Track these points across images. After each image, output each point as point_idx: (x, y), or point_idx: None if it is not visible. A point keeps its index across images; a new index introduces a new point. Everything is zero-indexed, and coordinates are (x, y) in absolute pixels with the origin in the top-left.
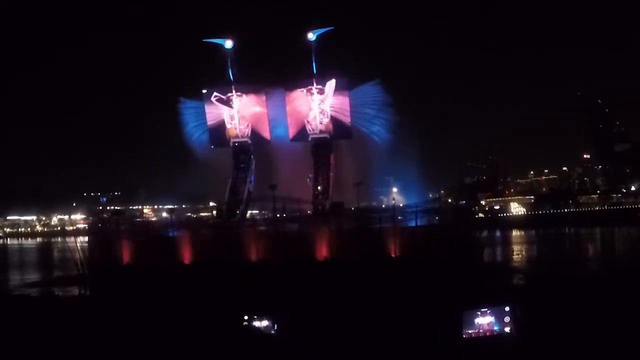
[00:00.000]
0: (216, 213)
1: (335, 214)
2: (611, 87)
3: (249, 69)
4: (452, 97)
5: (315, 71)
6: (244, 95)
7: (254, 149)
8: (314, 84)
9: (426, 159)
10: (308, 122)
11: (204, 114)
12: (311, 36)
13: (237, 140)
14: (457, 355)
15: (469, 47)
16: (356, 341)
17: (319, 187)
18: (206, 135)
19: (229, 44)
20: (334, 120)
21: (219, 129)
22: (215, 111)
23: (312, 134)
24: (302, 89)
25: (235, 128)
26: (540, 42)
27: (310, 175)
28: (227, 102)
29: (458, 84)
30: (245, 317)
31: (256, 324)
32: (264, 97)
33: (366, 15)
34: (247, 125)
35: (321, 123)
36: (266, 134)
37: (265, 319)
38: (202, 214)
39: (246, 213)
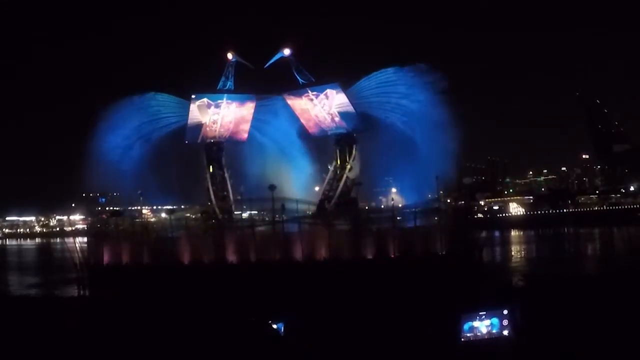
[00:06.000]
0: (202, 215)
1: (345, 212)
2: (611, 88)
3: (242, 79)
4: (452, 97)
5: (301, 81)
6: (233, 104)
7: (240, 151)
8: (309, 92)
9: (425, 159)
10: (320, 122)
11: (186, 113)
12: (286, 52)
13: (213, 138)
14: (455, 358)
15: (469, 48)
16: (355, 341)
17: (330, 185)
18: (181, 131)
19: (230, 55)
20: (344, 116)
21: (197, 127)
22: (197, 112)
23: (329, 130)
24: (300, 97)
25: (215, 130)
26: (540, 42)
27: (330, 168)
28: (214, 108)
29: (457, 84)
30: (253, 319)
31: (266, 324)
32: (253, 105)
33: (359, 9)
34: (227, 129)
35: (333, 121)
36: (244, 136)
37: (273, 321)
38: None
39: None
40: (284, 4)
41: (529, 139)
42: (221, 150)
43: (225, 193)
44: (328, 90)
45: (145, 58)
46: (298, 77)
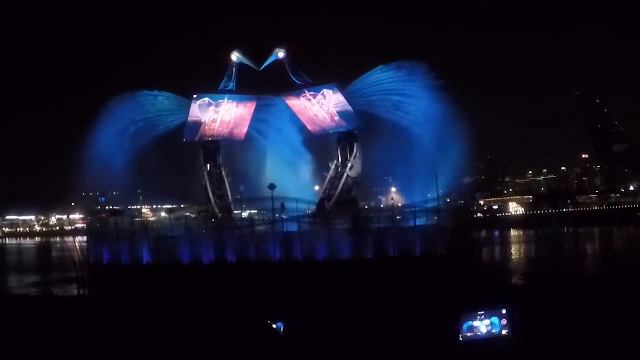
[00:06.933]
0: (199, 214)
1: (345, 211)
2: (611, 88)
3: (243, 79)
4: (451, 95)
5: (298, 83)
6: (233, 104)
7: (240, 150)
8: (306, 93)
9: (425, 158)
10: (320, 122)
11: (187, 112)
12: (280, 55)
13: (211, 137)
14: (455, 358)
15: (469, 48)
16: (354, 341)
17: (332, 184)
18: (181, 130)
19: (234, 57)
20: (343, 116)
21: (195, 126)
22: (198, 111)
23: (331, 130)
24: (298, 98)
25: (214, 129)
26: (540, 42)
27: (331, 166)
28: (215, 107)
29: (457, 84)
30: (254, 319)
31: (266, 324)
32: (253, 105)
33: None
34: (226, 128)
35: (333, 120)
36: (242, 135)
37: (273, 321)
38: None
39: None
40: (284, 4)
41: (529, 139)
42: (218, 149)
43: (222, 192)
44: (325, 91)
45: (144, 58)
46: (294, 79)
